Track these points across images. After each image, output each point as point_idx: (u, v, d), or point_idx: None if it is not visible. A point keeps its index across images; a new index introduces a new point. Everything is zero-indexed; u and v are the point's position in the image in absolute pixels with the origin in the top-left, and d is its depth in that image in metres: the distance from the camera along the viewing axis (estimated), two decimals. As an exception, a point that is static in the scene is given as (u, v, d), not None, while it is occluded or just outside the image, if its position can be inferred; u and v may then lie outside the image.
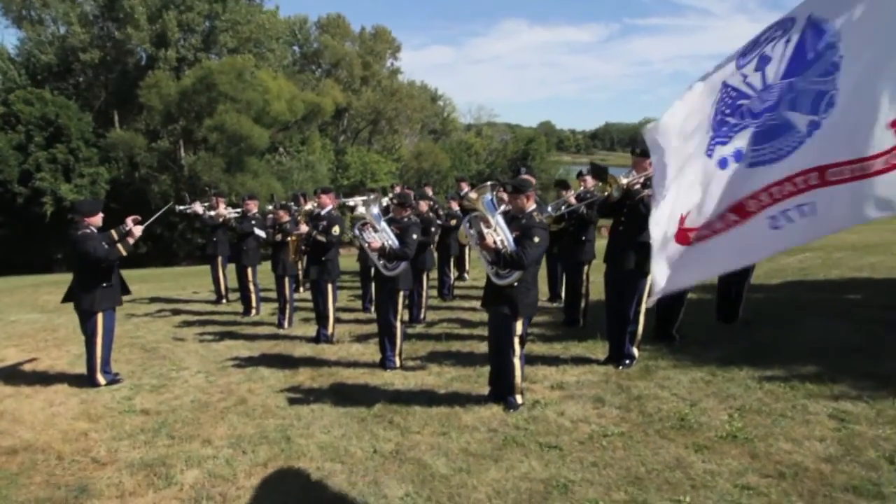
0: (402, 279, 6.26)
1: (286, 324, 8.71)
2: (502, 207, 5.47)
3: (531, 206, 5.09)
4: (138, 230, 6.24)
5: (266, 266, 10.78)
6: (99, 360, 6.30)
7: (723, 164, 2.56)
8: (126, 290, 6.50)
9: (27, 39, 34.07)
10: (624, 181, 5.74)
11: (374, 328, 8.36)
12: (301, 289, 11.20)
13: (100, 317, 6.18)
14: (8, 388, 6.43)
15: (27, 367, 7.26)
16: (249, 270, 9.60)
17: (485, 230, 4.93)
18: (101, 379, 6.34)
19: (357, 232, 6.24)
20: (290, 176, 35.98)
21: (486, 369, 6.15)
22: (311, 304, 10.06)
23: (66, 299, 6.36)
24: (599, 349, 6.82)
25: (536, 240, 4.86)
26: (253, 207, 9.62)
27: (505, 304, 5.02)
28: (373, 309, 9.52)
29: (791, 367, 5.93)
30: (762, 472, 3.94)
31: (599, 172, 5.94)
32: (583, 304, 8.01)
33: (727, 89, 2.57)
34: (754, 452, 4.18)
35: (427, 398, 5.52)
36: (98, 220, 6.14)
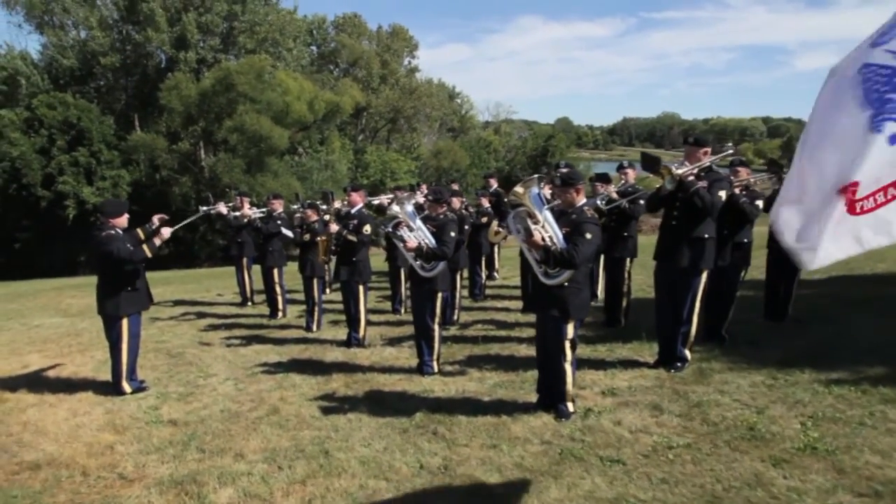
0: (441, 280, 5.92)
1: (315, 327, 8.42)
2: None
3: (581, 199, 4.72)
4: (167, 232, 5.98)
5: (292, 267, 10.54)
6: (124, 368, 6.05)
7: (893, 140, 2.30)
8: (150, 299, 6.23)
9: (49, 45, 34.31)
10: (678, 171, 5.34)
11: (406, 331, 8.08)
12: (328, 290, 10.92)
13: (125, 322, 5.92)
14: (32, 396, 6.21)
15: (51, 374, 7.03)
16: (275, 272, 9.33)
17: (532, 227, 4.57)
18: (126, 387, 6.09)
19: (391, 231, 5.91)
20: (310, 176, 35.86)
21: (530, 374, 5.83)
22: (339, 306, 9.83)
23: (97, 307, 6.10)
24: (646, 351, 6.44)
25: (588, 236, 4.49)
26: (278, 207, 9.34)
27: (554, 306, 4.66)
28: (403, 311, 9.25)
29: (857, 369, 5.52)
30: (854, 490, 3.54)
31: (651, 163, 5.54)
32: (624, 304, 7.63)
33: (872, 69, 2.29)
34: (840, 467, 3.79)
35: (471, 406, 5.18)
36: (124, 221, 5.88)
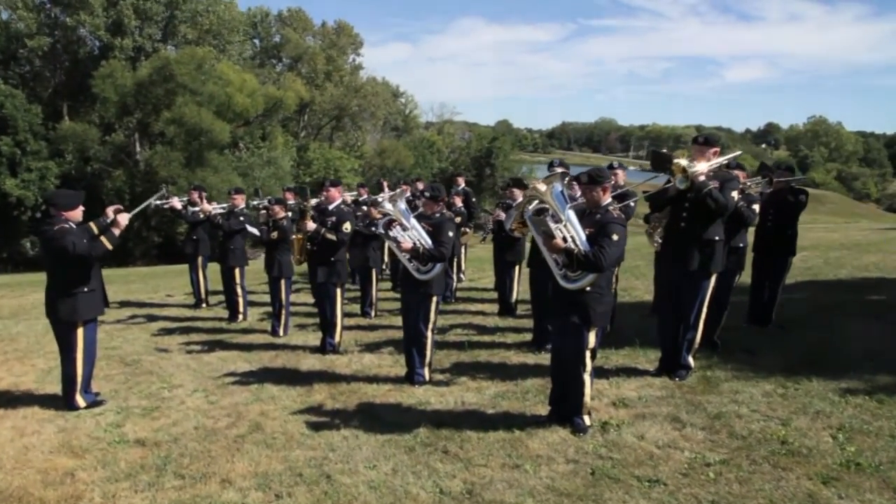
0: (436, 283, 5.50)
1: (282, 331, 7.83)
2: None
3: (607, 199, 4.40)
4: (124, 218, 5.31)
5: (253, 267, 9.89)
6: (79, 380, 5.36)
7: None
8: (106, 302, 5.57)
9: (-32, 26, 31.93)
10: (696, 168, 5.09)
11: (382, 335, 7.63)
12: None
13: (80, 329, 5.24)
14: (-35, 413, 5.44)
15: (-14, 387, 6.23)
16: (237, 272, 8.67)
17: (553, 227, 4.22)
18: (80, 401, 5.40)
19: (383, 231, 5.45)
20: (251, 172, 34.65)
21: (530, 383, 5.51)
22: (303, 309, 9.28)
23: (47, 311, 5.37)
24: (641, 357, 6.21)
25: (615, 237, 4.18)
26: (240, 202, 8.68)
27: (575, 313, 4.32)
28: (373, 314, 8.77)
29: (864, 377, 5.43)
30: (913, 511, 3.34)
31: (662, 161, 5.29)
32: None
33: None
34: (894, 485, 3.58)
35: (476, 420, 4.78)
36: (78, 214, 5.20)
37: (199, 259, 9.61)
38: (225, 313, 9.05)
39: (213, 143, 31.43)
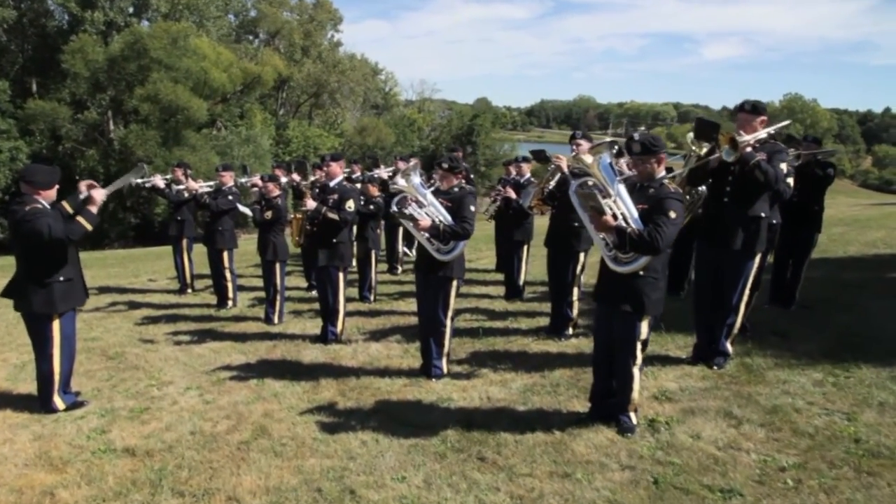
0: (457, 265, 4.97)
1: (276, 318, 7.27)
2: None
3: (661, 171, 3.88)
4: (100, 194, 4.67)
5: (241, 248, 9.28)
6: (57, 379, 4.77)
7: None
8: (86, 292, 4.95)
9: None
10: (745, 137, 4.61)
11: (384, 322, 7.11)
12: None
13: (56, 322, 4.64)
14: (-74, 419, 4.83)
15: (-48, 386, 5.61)
16: (225, 255, 8.05)
17: (602, 202, 3.71)
18: (59, 403, 4.81)
19: (397, 209, 4.90)
20: (230, 150, 33.61)
21: (558, 375, 5.05)
22: (297, 294, 8.71)
23: (5, 293, 4.74)
24: (671, 343, 5.77)
25: (672, 215, 3.67)
26: (228, 180, 8.03)
27: (627, 300, 3.83)
28: (373, 298, 8.24)
29: (914, 361, 5.03)
30: None
31: (708, 129, 4.80)
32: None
33: None
34: None
35: (508, 419, 4.30)
36: (53, 193, 4.57)
37: (184, 241, 8.97)
38: (212, 299, 8.46)
39: (190, 120, 30.35)
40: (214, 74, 31.31)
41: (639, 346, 3.90)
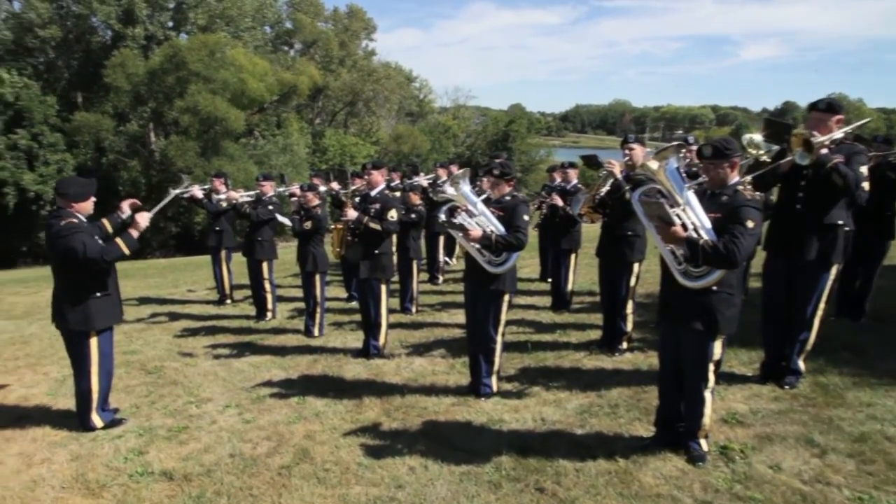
0: (510, 278, 4.69)
1: (317, 331, 7.09)
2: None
3: (735, 176, 3.55)
4: (145, 219, 4.55)
5: (281, 258, 9.15)
6: (95, 397, 4.64)
7: None
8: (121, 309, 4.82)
9: (-23, 18, 31.35)
10: (820, 138, 4.24)
11: (427, 335, 6.86)
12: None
13: (94, 340, 4.51)
14: (-33, 436, 4.74)
15: (-7, 401, 5.54)
16: (265, 266, 7.92)
17: (670, 211, 3.40)
18: (96, 420, 4.69)
19: (446, 219, 4.65)
20: (267, 160, 33.94)
21: (616, 394, 4.72)
22: (337, 305, 8.53)
23: (54, 317, 4.63)
24: (734, 360, 5.38)
25: (750, 224, 3.34)
26: (269, 190, 7.90)
27: (698, 318, 3.50)
28: (414, 309, 8.00)
29: None
30: None
31: (779, 131, 4.44)
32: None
33: None
34: None
35: (566, 444, 4.00)
36: (89, 206, 4.45)
37: (223, 251, 8.88)
38: (251, 310, 8.34)
39: (228, 131, 30.70)
40: (251, 85, 31.63)
41: (711, 367, 3.57)
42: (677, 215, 3.42)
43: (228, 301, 9.15)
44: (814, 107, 4.52)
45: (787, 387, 4.74)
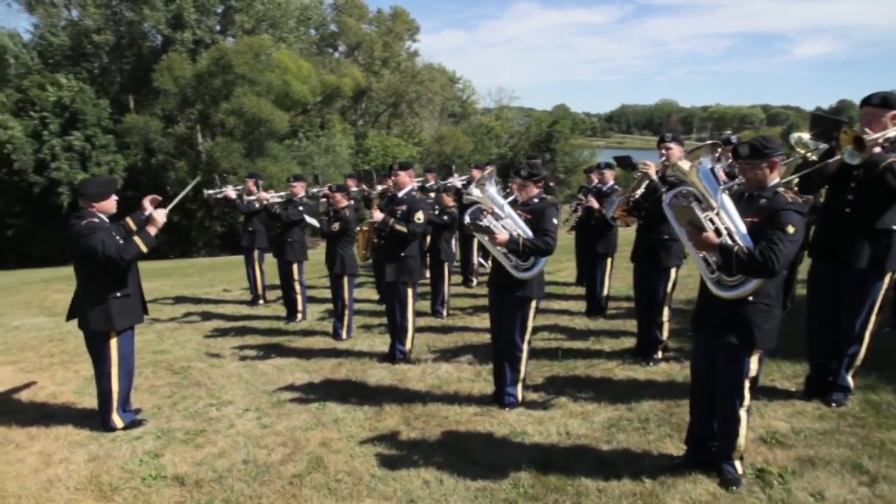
0: (536, 284, 4.49)
1: (345, 334, 7.00)
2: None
3: (775, 178, 3.27)
4: (161, 215, 4.50)
5: (312, 259, 9.12)
6: (116, 397, 4.63)
7: None
8: (145, 309, 4.80)
9: (40, 24, 32.59)
10: (873, 136, 3.92)
11: (456, 340, 6.70)
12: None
13: (114, 340, 4.49)
14: (-5, 431, 4.80)
15: (24, 398, 5.62)
16: (295, 267, 7.88)
17: (701, 216, 3.15)
18: (117, 421, 4.68)
19: (471, 221, 4.48)
20: (310, 161, 34.32)
21: (647, 407, 4.47)
22: (369, 307, 8.44)
23: (71, 315, 4.66)
24: (776, 373, 5.08)
25: (791, 230, 3.07)
26: (300, 191, 7.86)
27: (732, 330, 3.25)
28: (445, 313, 7.85)
29: None
30: None
31: (826, 127, 4.13)
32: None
33: None
34: None
35: (590, 460, 3.78)
36: (110, 205, 4.44)
37: (256, 252, 8.91)
38: (283, 311, 8.32)
39: (272, 132, 31.17)
40: (296, 87, 32.04)
41: (747, 384, 3.30)
42: (710, 219, 3.17)
43: (261, 301, 9.17)
44: (867, 101, 4.18)
45: (833, 404, 4.41)
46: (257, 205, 8.30)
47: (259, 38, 31.35)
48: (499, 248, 4.40)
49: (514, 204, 4.54)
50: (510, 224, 4.39)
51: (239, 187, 8.80)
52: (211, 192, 8.73)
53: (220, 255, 25.98)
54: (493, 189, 4.45)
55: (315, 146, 36.12)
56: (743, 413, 3.35)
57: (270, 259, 9.12)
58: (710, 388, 3.46)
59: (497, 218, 4.43)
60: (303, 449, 4.21)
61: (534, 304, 4.53)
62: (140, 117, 30.14)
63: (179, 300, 9.73)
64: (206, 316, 8.54)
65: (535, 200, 4.52)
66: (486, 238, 4.40)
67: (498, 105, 64.47)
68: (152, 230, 4.44)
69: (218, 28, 33.91)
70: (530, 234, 4.37)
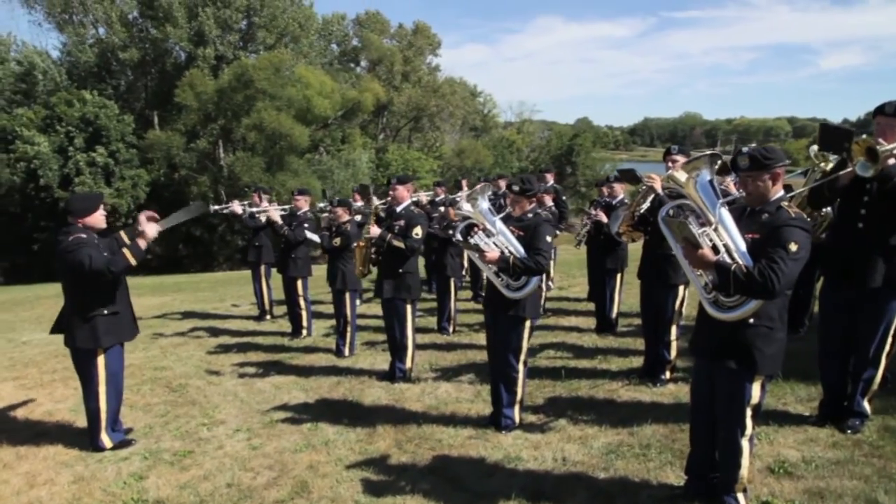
0: (530, 303, 4.32)
1: (347, 351, 6.87)
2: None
3: (779, 191, 3.08)
4: (152, 230, 4.41)
5: (318, 274, 9.03)
6: (104, 416, 4.55)
7: None
8: (135, 326, 4.71)
9: (69, 42, 33.41)
10: (887, 146, 3.70)
11: (459, 358, 6.53)
12: (359, 301, 9.40)
13: (101, 357, 4.42)
14: (-13, 449, 4.74)
15: (20, 415, 5.57)
16: (299, 283, 7.79)
17: (697, 231, 2.97)
18: (105, 440, 4.59)
19: (461, 237, 4.34)
20: (330, 175, 34.50)
21: (650, 432, 4.26)
22: (375, 323, 8.31)
23: (56, 329, 4.59)
24: (789, 395, 4.84)
25: (793, 247, 2.86)
26: (304, 205, 7.79)
27: (732, 355, 3.04)
28: (451, 330, 7.69)
29: None
30: None
31: (835, 138, 3.92)
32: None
33: None
34: None
35: (585, 490, 3.59)
36: (96, 219, 4.38)
37: (262, 267, 8.85)
38: (289, 327, 8.22)
39: (292, 147, 31.42)
40: (317, 102, 32.32)
41: (748, 412, 3.08)
42: (707, 235, 2.99)
43: (268, 317, 9.10)
44: (880, 111, 3.97)
45: (849, 431, 4.16)
46: (263, 219, 8.24)
47: (279, 54, 31.70)
48: (489, 266, 4.24)
49: (506, 219, 4.38)
50: (502, 241, 4.23)
51: (245, 202, 8.75)
52: (217, 207, 8.70)
53: (240, 270, 26.12)
54: (485, 204, 4.30)
55: (336, 160, 36.32)
56: (745, 443, 3.14)
57: (277, 274, 9.07)
58: (711, 415, 3.25)
59: (488, 235, 4.27)
60: (289, 472, 4.07)
61: (528, 324, 4.35)
62: (162, 133, 30.60)
63: (187, 315, 9.70)
64: (212, 331, 8.48)
65: (529, 216, 4.35)
66: (477, 255, 4.24)
67: (519, 118, 64.42)
68: (142, 243, 4.36)
69: (240, 44, 34.37)
70: (522, 251, 4.20)
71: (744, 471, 3.19)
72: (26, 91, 31.19)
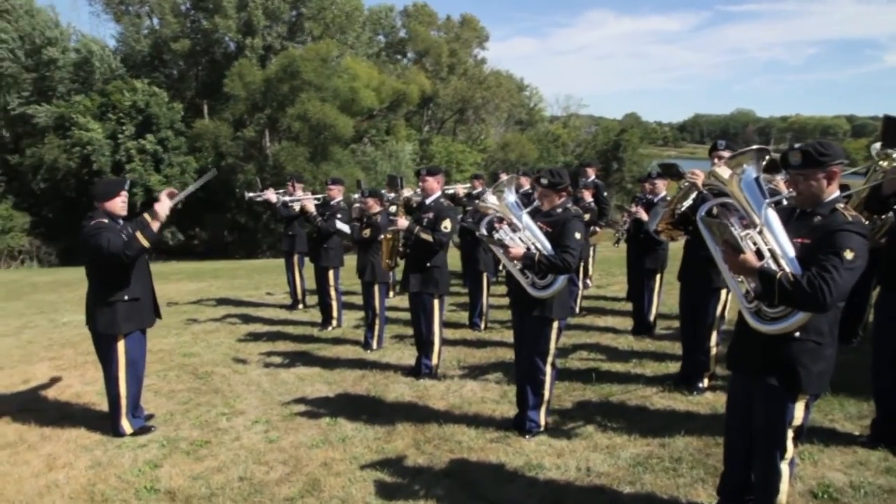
0: (558, 303, 4.10)
1: (375, 344, 6.76)
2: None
3: (834, 192, 2.78)
4: (163, 208, 4.30)
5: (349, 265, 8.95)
6: (124, 402, 4.53)
7: None
8: (157, 312, 4.68)
9: (124, 33, 34.38)
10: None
11: (489, 355, 6.35)
12: (392, 294, 9.31)
13: (121, 343, 4.39)
14: (12, 429, 4.80)
15: (49, 395, 5.63)
16: (331, 273, 7.72)
17: (740, 235, 2.71)
18: (126, 426, 4.57)
19: (485, 232, 4.15)
20: (374, 166, 34.60)
21: (682, 444, 4.01)
22: (406, 316, 8.18)
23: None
24: (837, 413, 4.51)
25: (849, 255, 2.57)
26: (337, 195, 7.70)
27: (773, 371, 2.78)
28: (483, 326, 7.50)
29: None
30: None
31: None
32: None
33: None
34: None
35: (608, 502, 3.37)
36: (117, 205, 4.33)
37: (296, 256, 8.82)
38: (320, 317, 8.16)
39: (336, 137, 31.60)
40: (363, 93, 32.44)
41: (790, 434, 2.81)
42: (750, 238, 2.73)
43: (300, 306, 9.07)
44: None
45: (902, 453, 3.84)
46: (297, 208, 8.19)
47: (326, 45, 31.87)
48: (514, 262, 4.03)
49: (534, 213, 4.16)
50: (528, 236, 4.02)
51: (280, 191, 8.72)
52: (251, 194, 8.70)
53: (280, 258, 26.43)
54: (511, 198, 4.09)
55: (380, 151, 36.41)
56: (785, 466, 2.87)
57: (311, 264, 9.03)
58: (748, 433, 2.99)
59: (514, 229, 4.06)
60: (303, 469, 3.96)
61: (555, 325, 4.12)
62: (210, 122, 31.18)
63: (222, 302, 9.76)
64: (244, 319, 8.49)
65: (558, 211, 4.12)
66: (501, 251, 4.04)
67: (566, 113, 63.51)
68: (155, 225, 4.28)
69: (287, 35, 34.72)
70: (549, 248, 3.98)
71: (782, 496, 2.92)
72: (84, 79, 32.10)
